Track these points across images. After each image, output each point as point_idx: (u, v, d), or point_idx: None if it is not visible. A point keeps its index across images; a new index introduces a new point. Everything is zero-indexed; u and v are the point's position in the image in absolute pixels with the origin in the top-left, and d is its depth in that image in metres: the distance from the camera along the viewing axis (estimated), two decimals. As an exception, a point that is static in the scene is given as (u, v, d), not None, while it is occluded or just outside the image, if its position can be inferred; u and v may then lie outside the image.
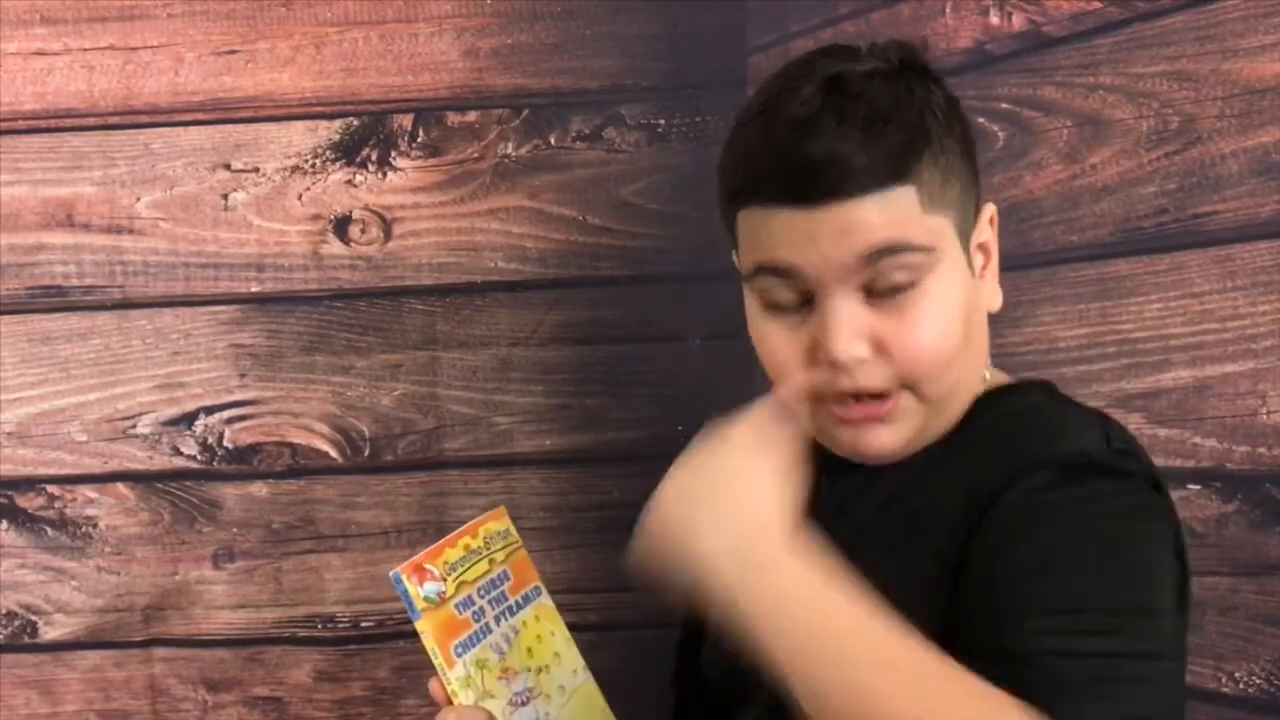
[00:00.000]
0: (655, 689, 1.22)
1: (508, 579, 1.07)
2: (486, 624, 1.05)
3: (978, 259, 0.98)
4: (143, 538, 1.36)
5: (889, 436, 0.95)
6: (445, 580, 1.03)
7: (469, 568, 1.05)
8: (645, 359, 1.36)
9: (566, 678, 1.08)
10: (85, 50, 1.34)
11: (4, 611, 1.35)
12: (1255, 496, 1.16)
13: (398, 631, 1.37)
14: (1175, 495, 1.19)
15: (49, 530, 1.36)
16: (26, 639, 1.36)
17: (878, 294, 0.92)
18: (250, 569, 1.36)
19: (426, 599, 1.03)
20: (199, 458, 1.36)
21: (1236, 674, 1.17)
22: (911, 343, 0.92)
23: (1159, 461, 1.21)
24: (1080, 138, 1.21)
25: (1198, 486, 1.19)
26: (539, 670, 1.07)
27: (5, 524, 1.35)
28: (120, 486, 1.36)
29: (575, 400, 1.36)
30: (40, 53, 1.33)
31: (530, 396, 1.36)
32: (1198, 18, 1.14)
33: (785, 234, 0.93)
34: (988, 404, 0.99)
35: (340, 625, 1.37)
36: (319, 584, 1.36)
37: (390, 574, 1.03)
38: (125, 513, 1.36)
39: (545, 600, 1.09)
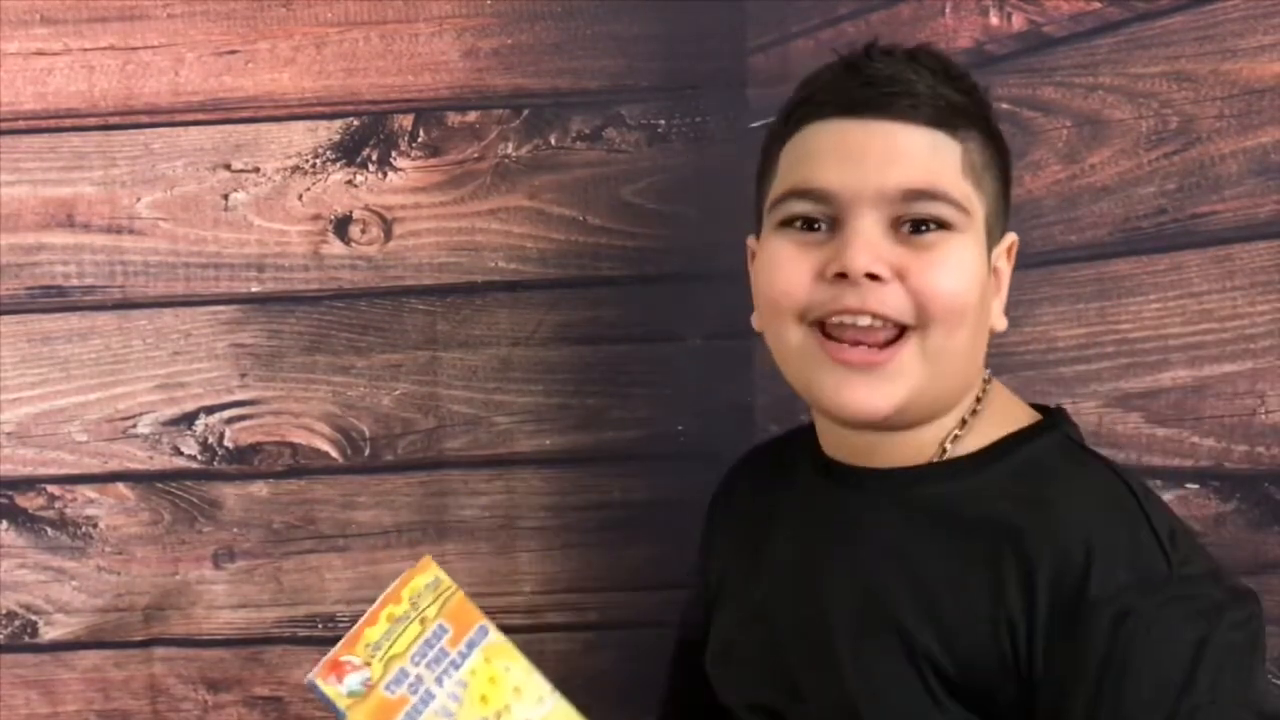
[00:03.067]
0: (655, 689, 1.22)
1: (445, 632, 0.98)
2: (427, 690, 0.96)
3: (991, 279, 0.95)
4: (143, 538, 1.36)
5: (881, 395, 0.89)
6: (369, 664, 0.96)
7: (396, 639, 0.97)
8: (645, 359, 1.36)
9: (531, 709, 0.99)
10: (85, 50, 1.33)
11: (4, 611, 1.35)
12: (1254, 496, 1.17)
13: (398, 631, 1.37)
14: (1173, 495, 1.21)
15: (49, 530, 1.36)
16: (26, 639, 1.36)
17: (904, 234, 0.89)
18: (250, 569, 1.36)
19: (351, 694, 0.95)
20: (199, 458, 1.36)
21: (1235, 673, 1.17)
22: (932, 278, 0.88)
23: (1158, 461, 1.23)
24: (1080, 138, 1.21)
25: (1196, 486, 1.20)
26: (498, 715, 0.98)
27: (5, 524, 1.35)
28: (120, 486, 1.36)
29: (575, 400, 1.36)
30: (40, 53, 1.33)
31: (530, 396, 1.36)
32: (1198, 18, 1.14)
33: (834, 149, 0.90)
34: (1015, 447, 0.93)
35: (340, 625, 1.37)
36: (319, 584, 1.36)
37: (305, 681, 0.96)
38: (125, 513, 1.36)
39: (494, 637, 1.00)
